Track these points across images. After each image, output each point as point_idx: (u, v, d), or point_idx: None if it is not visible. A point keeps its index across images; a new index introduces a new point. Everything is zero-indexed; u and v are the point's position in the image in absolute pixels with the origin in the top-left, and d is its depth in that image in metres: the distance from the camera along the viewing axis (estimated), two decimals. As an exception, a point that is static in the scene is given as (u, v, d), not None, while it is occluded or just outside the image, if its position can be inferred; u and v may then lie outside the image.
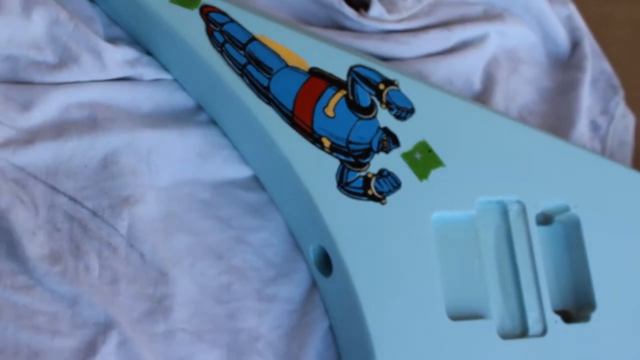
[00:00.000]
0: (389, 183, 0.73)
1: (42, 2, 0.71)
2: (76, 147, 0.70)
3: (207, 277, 0.72)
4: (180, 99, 0.75)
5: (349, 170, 0.72)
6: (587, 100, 0.90)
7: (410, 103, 0.76)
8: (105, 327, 0.66)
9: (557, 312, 0.77)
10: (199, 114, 0.76)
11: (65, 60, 0.71)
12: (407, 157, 0.75)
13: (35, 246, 0.66)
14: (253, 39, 0.73)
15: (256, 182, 0.76)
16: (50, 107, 0.70)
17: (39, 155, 0.69)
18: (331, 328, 0.74)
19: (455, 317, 0.73)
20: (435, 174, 0.75)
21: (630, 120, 0.92)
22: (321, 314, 0.74)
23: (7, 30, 0.69)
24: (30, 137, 0.69)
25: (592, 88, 0.92)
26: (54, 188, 0.69)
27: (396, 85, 0.76)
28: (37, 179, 0.68)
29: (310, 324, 0.73)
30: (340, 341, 0.74)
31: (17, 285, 0.65)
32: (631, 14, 0.98)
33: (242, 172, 0.75)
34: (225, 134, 0.76)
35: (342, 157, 0.73)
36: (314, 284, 0.75)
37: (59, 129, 0.70)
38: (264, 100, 0.72)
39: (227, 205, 0.74)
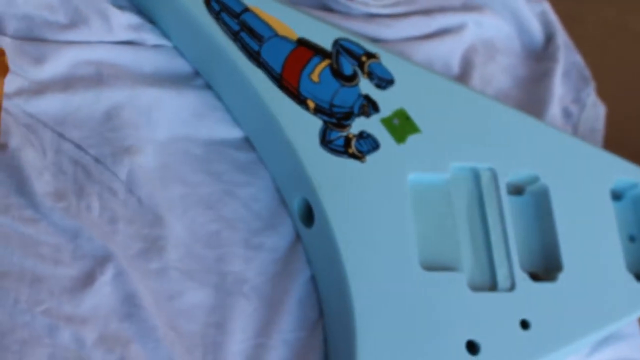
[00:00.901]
0: (368, 144, 0.80)
1: None
2: (82, 100, 0.77)
3: (198, 223, 0.78)
4: (179, 64, 0.82)
5: (331, 130, 0.79)
6: (559, 88, 0.97)
7: (390, 74, 0.83)
8: (103, 260, 0.73)
9: (527, 273, 0.83)
10: (196, 79, 0.83)
11: (75, 21, 0.78)
12: (386, 122, 0.82)
13: (42, 184, 0.73)
14: (247, 9, 0.81)
15: (246, 143, 0.82)
16: (60, 62, 0.77)
17: (49, 104, 0.76)
18: (313, 277, 0.80)
19: (429, 268, 0.79)
20: (412, 138, 0.82)
21: (601, 109, 0.99)
22: (304, 263, 0.80)
23: None
24: (41, 88, 0.76)
25: (565, 78, 0.98)
26: (61, 135, 0.75)
27: (377, 58, 0.83)
28: (46, 126, 0.75)
29: (293, 272, 0.79)
30: (321, 288, 0.80)
31: (24, 217, 0.72)
32: (602, 13, 1.05)
33: (234, 132, 0.82)
34: (219, 98, 0.83)
35: (326, 118, 0.79)
36: (297, 237, 0.81)
37: (67, 83, 0.77)
38: (254, 64, 0.79)
39: (218, 162, 0.81)
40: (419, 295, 0.77)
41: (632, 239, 0.90)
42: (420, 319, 0.76)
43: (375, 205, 0.79)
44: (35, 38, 0.77)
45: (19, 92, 0.75)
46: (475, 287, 0.80)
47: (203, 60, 0.83)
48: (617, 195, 0.91)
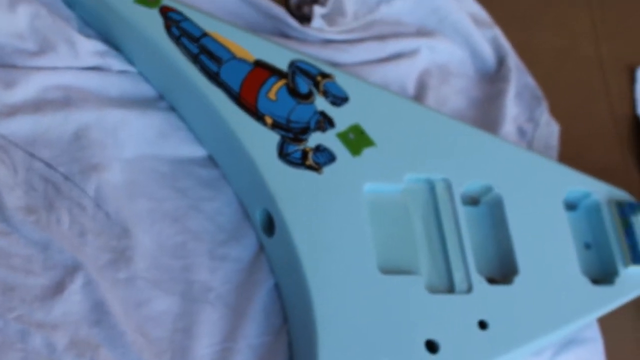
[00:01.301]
0: (325, 156, 0.84)
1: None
2: (52, 121, 0.81)
3: (164, 235, 0.82)
4: (143, 88, 0.87)
5: (289, 144, 0.83)
6: (513, 108, 1.01)
7: (344, 93, 0.88)
8: (72, 270, 0.76)
9: (484, 277, 0.86)
10: (160, 101, 0.88)
11: (44, 48, 0.84)
12: (342, 136, 0.86)
13: (13, 199, 0.77)
14: (205, 34, 0.86)
15: (209, 161, 0.87)
16: (30, 86, 0.81)
17: (20, 126, 0.80)
18: (276, 285, 0.84)
19: (387, 272, 0.83)
20: (367, 151, 0.86)
21: (555, 127, 1.03)
22: (267, 272, 0.83)
23: None
24: (12, 111, 0.80)
25: (518, 99, 1.03)
26: (32, 154, 0.80)
27: (332, 78, 0.88)
28: (17, 146, 0.79)
29: (257, 281, 0.83)
30: (284, 295, 0.83)
31: None
32: (552, 41, 1.11)
33: (197, 151, 0.87)
34: (182, 119, 0.87)
35: (283, 133, 0.84)
36: (260, 248, 0.84)
37: (37, 105, 0.82)
38: (214, 84, 0.84)
39: (183, 178, 0.85)
40: (378, 298, 0.81)
41: (587, 246, 0.94)
42: (380, 320, 0.80)
43: (333, 214, 0.82)
44: (5, 64, 0.82)
45: (-9, 114, 0.80)
46: (433, 290, 0.84)
47: (166, 83, 0.87)
48: (571, 206, 0.95)
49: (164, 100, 0.88)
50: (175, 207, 0.83)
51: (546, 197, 0.92)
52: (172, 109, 0.88)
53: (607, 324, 0.93)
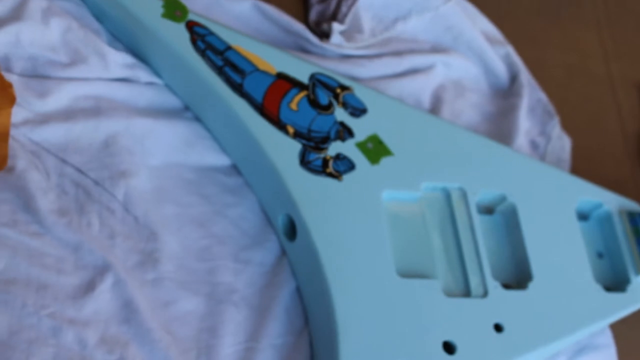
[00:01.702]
0: (344, 164, 0.87)
1: (59, 13, 0.88)
2: (83, 129, 0.85)
3: (191, 239, 0.85)
4: (169, 99, 0.91)
5: (310, 152, 0.86)
6: (525, 122, 1.04)
7: (363, 104, 0.91)
8: (102, 270, 0.79)
9: (499, 282, 0.89)
10: (186, 112, 0.91)
11: (75, 60, 0.87)
12: (361, 146, 0.89)
13: (46, 202, 0.80)
14: (229, 47, 0.89)
15: (233, 169, 0.90)
16: (62, 96, 0.85)
17: (52, 133, 0.84)
18: (298, 288, 0.86)
19: (405, 276, 0.85)
20: (385, 160, 0.89)
21: (567, 141, 1.06)
22: (289, 275, 0.86)
23: (30, 34, 0.86)
24: (45, 119, 0.84)
25: (531, 114, 1.06)
26: (63, 160, 0.83)
27: (351, 90, 0.91)
28: (49, 152, 0.83)
29: (280, 284, 0.85)
30: (306, 297, 0.86)
31: (30, 232, 0.79)
32: (562, 59, 1.14)
33: (222, 159, 0.90)
34: (207, 129, 0.91)
35: (304, 142, 0.87)
36: (282, 253, 0.87)
37: (68, 114, 0.85)
38: (238, 95, 0.87)
39: (208, 185, 0.88)
40: (396, 301, 0.83)
41: (600, 255, 0.96)
42: (398, 322, 0.82)
43: (353, 220, 0.86)
44: (39, 75, 0.86)
45: (25, 122, 0.83)
46: (450, 294, 0.86)
47: (191, 94, 0.91)
48: (584, 216, 0.98)
49: (189, 111, 0.91)
50: (201, 213, 0.86)
51: (559, 206, 0.95)
52: (198, 119, 0.91)
53: (619, 331, 0.95)
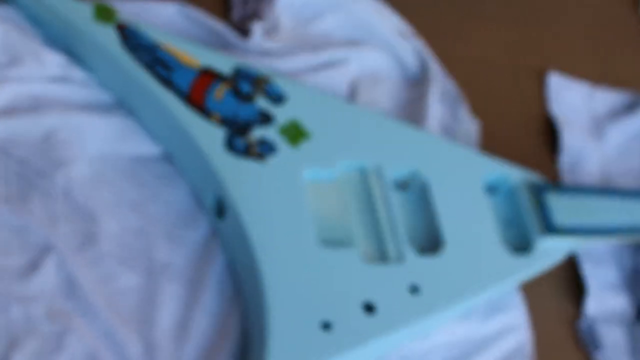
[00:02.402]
0: (267, 147, 0.95)
1: None
2: (24, 124, 0.92)
3: (127, 221, 0.92)
4: (103, 96, 0.98)
5: (235, 137, 0.94)
6: (436, 108, 1.13)
7: (282, 93, 0.99)
8: (46, 250, 0.87)
9: (414, 248, 0.97)
10: (119, 107, 0.99)
11: (13, 61, 0.95)
12: (281, 130, 0.97)
13: None
14: (157, 46, 0.97)
15: (165, 158, 0.98)
16: (3, 95, 0.92)
17: None
18: (229, 261, 0.94)
19: (327, 246, 0.93)
20: (304, 143, 0.98)
21: (475, 124, 1.15)
22: (220, 251, 0.94)
23: None
24: (-12, 116, 0.92)
25: (441, 101, 1.15)
26: (6, 153, 0.90)
27: (271, 80, 1.00)
28: None
29: (212, 258, 0.93)
30: (237, 269, 0.93)
31: None
32: (469, 51, 1.24)
33: (154, 149, 0.98)
34: (140, 121, 0.98)
35: (229, 128, 0.95)
36: (213, 230, 0.95)
37: (9, 111, 0.92)
38: (166, 89, 0.95)
39: (142, 172, 0.96)
40: (318, 268, 0.92)
41: (507, 221, 1.05)
42: (321, 287, 0.90)
43: (276, 197, 0.94)
44: None
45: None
46: (369, 260, 0.95)
47: (124, 90, 0.98)
48: (493, 188, 1.06)
49: (122, 106, 0.99)
50: (136, 197, 0.94)
51: (467, 179, 1.04)
52: (130, 113, 0.98)
53: (529, 293, 1.05)
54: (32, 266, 0.86)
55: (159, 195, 0.95)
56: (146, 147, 0.97)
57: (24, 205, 0.88)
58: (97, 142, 0.95)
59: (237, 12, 1.12)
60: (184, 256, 0.92)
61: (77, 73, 0.97)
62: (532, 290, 1.05)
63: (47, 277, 0.85)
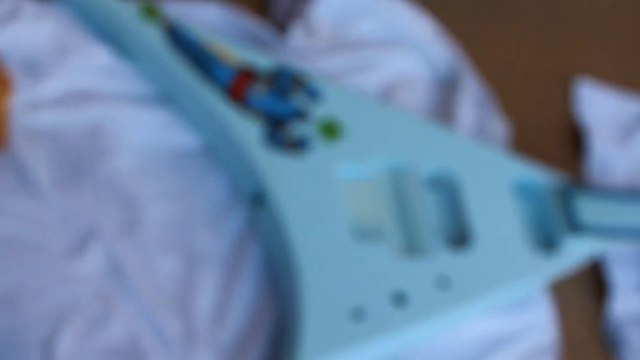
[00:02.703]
0: (303, 143, 0.99)
1: (47, 16, 1.02)
2: (72, 115, 0.98)
3: (169, 208, 0.97)
4: (148, 90, 1.03)
5: (273, 132, 0.99)
6: (466, 110, 1.17)
7: (319, 91, 1.03)
8: (92, 234, 0.92)
9: (445, 243, 1.01)
10: (163, 101, 1.03)
11: (63, 55, 1.00)
12: (318, 126, 1.01)
13: (41, 177, 0.93)
14: (200, 43, 1.02)
15: (205, 150, 1.02)
16: (53, 87, 0.98)
17: (47, 119, 0.97)
18: (267, 252, 0.98)
19: (359, 238, 0.97)
20: (339, 140, 1.01)
21: (505, 126, 1.18)
22: (257, 242, 0.98)
23: (24, 33, 1.00)
24: (40, 106, 0.97)
25: (473, 103, 1.18)
26: (57, 141, 0.95)
27: (308, 79, 1.03)
28: (43, 135, 0.95)
29: (249, 248, 0.97)
30: (273, 259, 0.97)
31: (28, 202, 0.91)
32: (501, 54, 1.28)
33: (195, 142, 1.02)
34: (182, 114, 1.03)
35: (268, 123, 0.99)
36: (251, 222, 0.99)
37: (59, 102, 0.98)
38: (207, 85, 1.00)
39: (184, 163, 1.00)
40: (351, 260, 0.95)
41: (534, 221, 1.07)
42: (354, 278, 0.94)
43: (312, 191, 0.98)
44: (33, 68, 0.99)
45: (21, 108, 0.96)
46: (400, 253, 0.98)
47: (167, 85, 1.03)
48: (521, 189, 1.09)
49: (166, 99, 1.03)
50: (177, 187, 0.98)
51: (496, 178, 1.07)
52: (173, 106, 1.03)
53: (555, 292, 1.07)
54: (79, 248, 0.90)
55: (199, 185, 0.99)
56: (188, 140, 1.02)
57: (71, 191, 0.93)
58: (142, 133, 1.00)
59: (276, 10, 1.16)
60: (222, 245, 0.96)
61: (123, 67, 1.02)
62: (557, 290, 1.07)
63: (93, 259, 0.90)
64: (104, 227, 0.92)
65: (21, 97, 0.96)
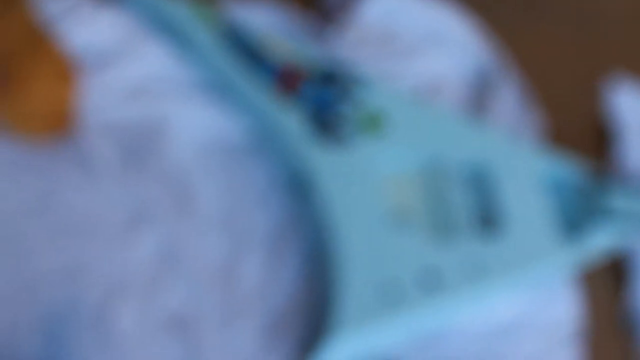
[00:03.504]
0: (350, 137, 1.07)
1: (108, 14, 1.10)
2: (135, 108, 1.06)
3: (220, 195, 1.05)
4: (207, 83, 1.11)
5: (320, 124, 1.07)
6: (504, 104, 1.22)
7: (365, 85, 1.11)
8: (147, 217, 1.01)
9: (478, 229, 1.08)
10: (220, 93, 1.11)
11: (126, 52, 1.09)
12: (364, 121, 1.09)
13: (99, 162, 1.02)
14: (253, 39, 1.10)
15: (256, 139, 1.10)
16: (117, 80, 1.07)
17: (110, 111, 1.06)
18: (311, 236, 1.06)
19: (397, 223, 1.05)
20: (385, 134, 1.09)
21: (540, 121, 1.23)
22: (301, 226, 1.06)
23: (84, 30, 1.08)
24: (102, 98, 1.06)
25: (509, 99, 1.23)
26: (114, 131, 1.05)
27: (355, 73, 1.11)
28: (107, 126, 1.05)
29: (293, 233, 1.05)
30: (318, 244, 1.06)
31: (84, 186, 1.01)
32: (541, 53, 1.33)
33: (247, 131, 1.10)
34: (238, 108, 1.11)
35: (316, 115, 1.07)
36: (298, 207, 1.07)
37: (122, 95, 1.07)
38: (258, 80, 1.08)
39: (236, 153, 1.08)
40: (389, 244, 1.03)
41: (563, 211, 1.14)
42: (389, 261, 1.02)
43: (356, 181, 1.06)
44: (98, 59, 1.07)
45: (86, 100, 1.05)
46: (433, 237, 1.06)
47: (221, 80, 1.11)
48: (552, 181, 1.16)
49: (223, 92, 1.11)
50: (229, 173, 1.07)
51: (529, 171, 1.14)
52: (227, 99, 1.11)
53: (582, 281, 1.13)
54: (134, 229, 1.00)
55: (248, 174, 1.07)
56: (239, 129, 1.09)
57: (129, 176, 1.02)
58: (198, 123, 1.08)
59: (327, 3, 1.23)
60: (267, 230, 1.05)
61: (182, 62, 1.10)
62: (583, 278, 1.13)
63: (147, 239, 1.00)
64: (157, 210, 1.01)
65: (86, 88, 1.04)
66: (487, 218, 1.10)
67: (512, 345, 1.07)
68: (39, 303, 0.95)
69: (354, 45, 1.20)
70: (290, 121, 1.06)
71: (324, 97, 1.08)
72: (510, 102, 1.24)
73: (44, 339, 0.95)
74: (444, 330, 1.05)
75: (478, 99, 1.25)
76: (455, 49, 1.26)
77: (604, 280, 1.16)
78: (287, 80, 1.08)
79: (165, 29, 1.13)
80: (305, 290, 1.02)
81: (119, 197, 1.01)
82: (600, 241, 1.12)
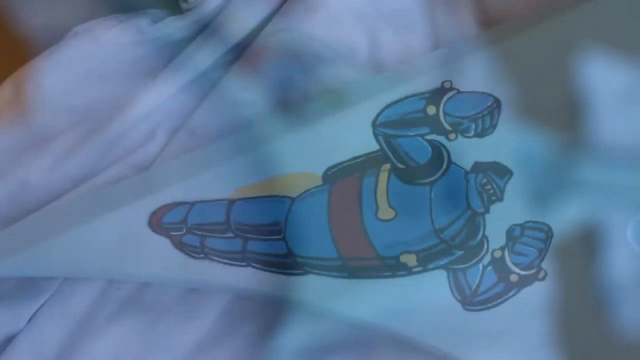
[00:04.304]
0: (312, 116, 1.01)
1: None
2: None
3: None
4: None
5: (282, 105, 1.03)
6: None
7: (332, 65, 0.90)
8: None
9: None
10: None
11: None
12: (327, 100, 1.02)
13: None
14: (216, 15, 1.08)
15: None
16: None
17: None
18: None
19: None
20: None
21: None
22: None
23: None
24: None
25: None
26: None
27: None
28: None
29: None
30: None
31: None
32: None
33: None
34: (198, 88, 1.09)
35: (277, 97, 1.03)
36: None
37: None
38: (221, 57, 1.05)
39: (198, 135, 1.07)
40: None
41: (537, 190, 1.10)
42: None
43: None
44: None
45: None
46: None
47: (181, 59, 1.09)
48: (525, 156, 1.11)
49: (185, 72, 1.09)
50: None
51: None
52: (191, 78, 1.09)
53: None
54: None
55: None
56: (202, 108, 1.07)
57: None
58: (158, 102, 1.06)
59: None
60: None
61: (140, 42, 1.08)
62: (555, 252, 1.10)
63: None
64: None
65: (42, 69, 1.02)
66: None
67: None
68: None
69: (325, 24, 1.18)
70: (253, 99, 1.03)
71: (287, 75, 1.07)
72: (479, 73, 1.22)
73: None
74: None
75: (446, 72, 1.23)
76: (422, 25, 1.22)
77: (576, 254, 1.16)
78: (249, 57, 1.06)
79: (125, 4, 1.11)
80: None
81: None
82: (572, 214, 1.11)
